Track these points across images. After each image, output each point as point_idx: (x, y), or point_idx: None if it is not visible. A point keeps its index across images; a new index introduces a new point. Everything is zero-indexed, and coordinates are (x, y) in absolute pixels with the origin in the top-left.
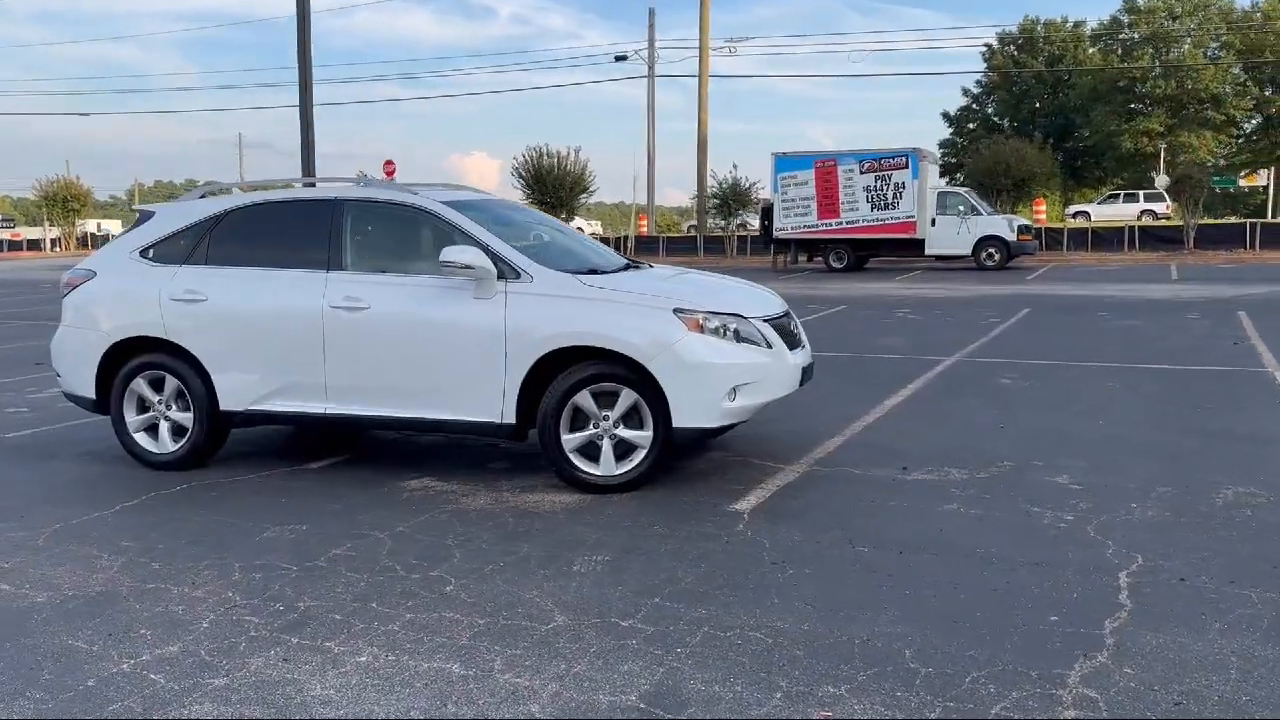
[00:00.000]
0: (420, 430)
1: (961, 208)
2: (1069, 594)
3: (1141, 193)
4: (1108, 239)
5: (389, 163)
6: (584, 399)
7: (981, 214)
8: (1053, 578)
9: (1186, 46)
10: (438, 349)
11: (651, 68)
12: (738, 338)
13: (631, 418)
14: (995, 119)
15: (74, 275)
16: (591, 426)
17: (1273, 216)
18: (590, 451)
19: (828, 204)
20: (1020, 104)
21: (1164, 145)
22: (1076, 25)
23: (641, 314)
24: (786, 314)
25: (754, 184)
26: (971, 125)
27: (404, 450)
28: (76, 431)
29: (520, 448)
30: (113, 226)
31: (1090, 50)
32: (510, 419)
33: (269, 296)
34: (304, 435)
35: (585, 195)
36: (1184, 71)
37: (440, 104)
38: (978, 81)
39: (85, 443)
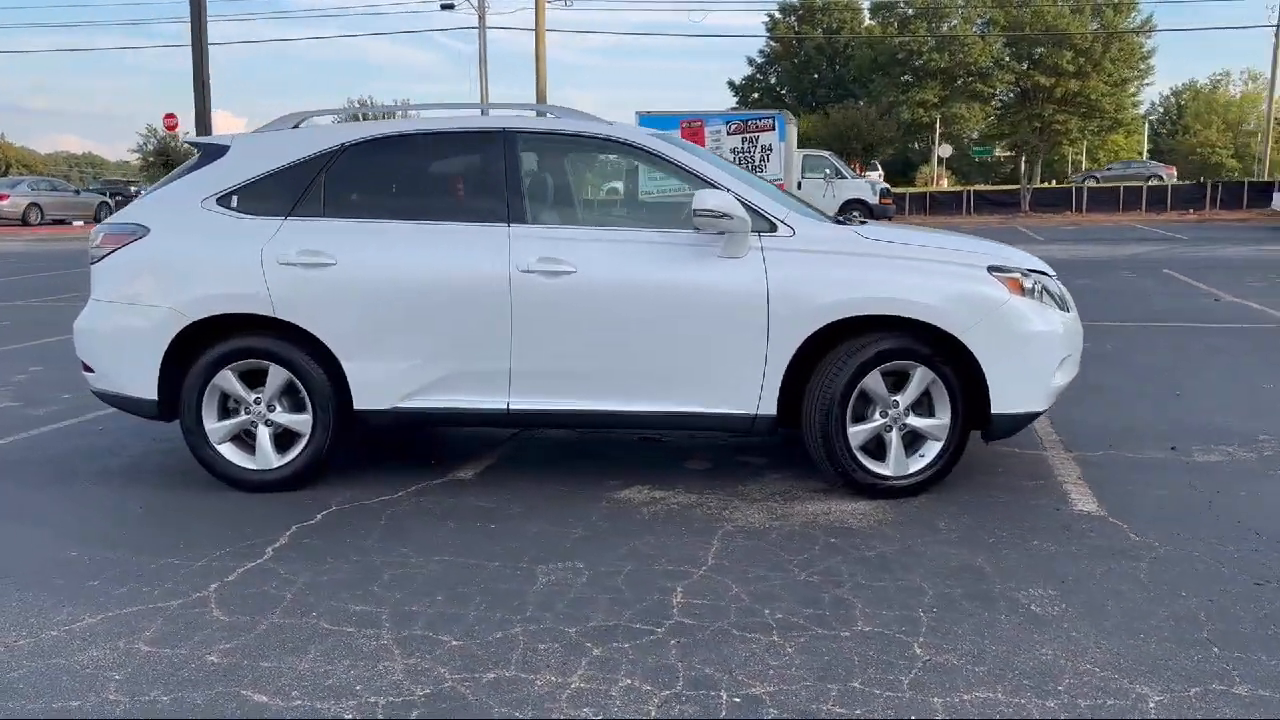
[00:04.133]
0: (637, 428)
1: (827, 170)
2: None
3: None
4: (945, 202)
5: (169, 116)
6: (874, 381)
7: (846, 177)
8: None
9: (957, 21)
10: (672, 324)
11: (482, 18)
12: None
13: (920, 403)
14: (778, 89)
15: (113, 231)
16: (877, 415)
17: (1029, 183)
18: (868, 446)
19: None
20: (802, 74)
21: (939, 116)
22: None
23: (949, 273)
24: None
25: None
26: (756, 95)
27: (549, 449)
28: (66, 440)
29: (700, 441)
30: None
31: (869, 22)
32: (770, 410)
33: (431, 259)
34: (382, 435)
35: None
36: (955, 45)
37: (170, 57)
38: (761, 51)
39: (98, 455)
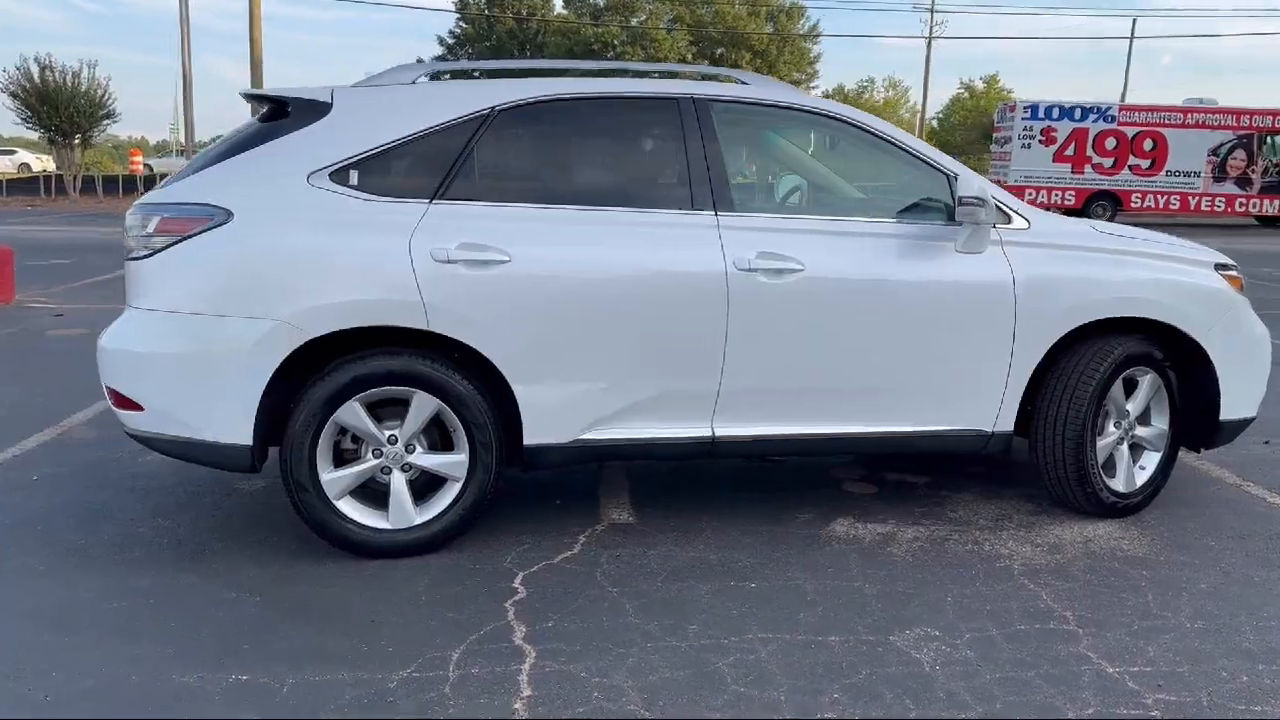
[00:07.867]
0: (853, 452)
1: None
2: None
3: (17, 149)
4: None
5: None
6: (1117, 390)
7: None
8: None
9: (646, 17)
10: (912, 330)
11: None
12: None
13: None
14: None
15: (175, 215)
16: (1112, 427)
17: None
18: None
19: None
20: (494, 58)
21: None
22: None
23: (1187, 272)
24: None
25: None
26: (449, 75)
27: (667, 476)
28: (4, 499)
29: (822, 460)
30: None
31: (561, 11)
32: (1007, 425)
33: (625, 255)
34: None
35: (109, 120)
36: (647, 39)
37: None
38: (451, 32)
39: (79, 522)
